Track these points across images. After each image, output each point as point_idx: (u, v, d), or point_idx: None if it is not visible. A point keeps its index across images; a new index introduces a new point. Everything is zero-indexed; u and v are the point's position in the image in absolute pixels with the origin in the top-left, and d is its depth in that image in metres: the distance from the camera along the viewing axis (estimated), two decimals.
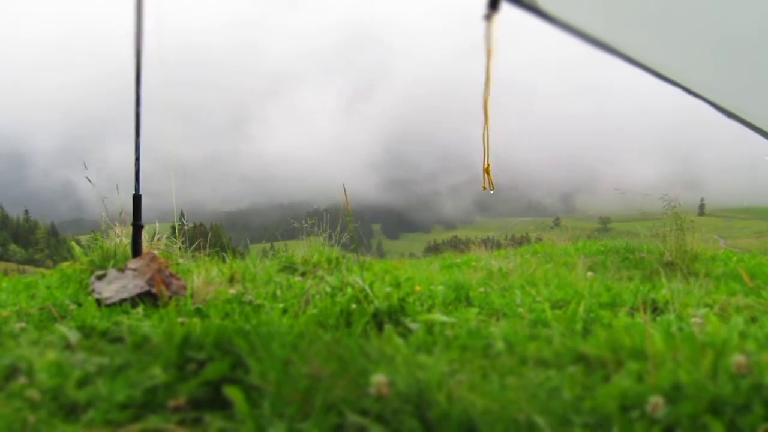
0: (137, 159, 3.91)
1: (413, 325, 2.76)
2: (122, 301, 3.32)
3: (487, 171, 2.04)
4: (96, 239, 4.83)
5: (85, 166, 5.19)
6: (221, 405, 1.82)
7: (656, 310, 3.46)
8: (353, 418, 1.65)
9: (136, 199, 3.97)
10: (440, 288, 3.95)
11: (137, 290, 3.40)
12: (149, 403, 1.84)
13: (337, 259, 5.78)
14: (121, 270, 3.65)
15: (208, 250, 5.55)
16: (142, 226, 4.00)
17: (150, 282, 3.48)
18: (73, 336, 2.48)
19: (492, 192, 2.08)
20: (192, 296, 3.47)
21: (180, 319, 2.61)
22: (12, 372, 2.05)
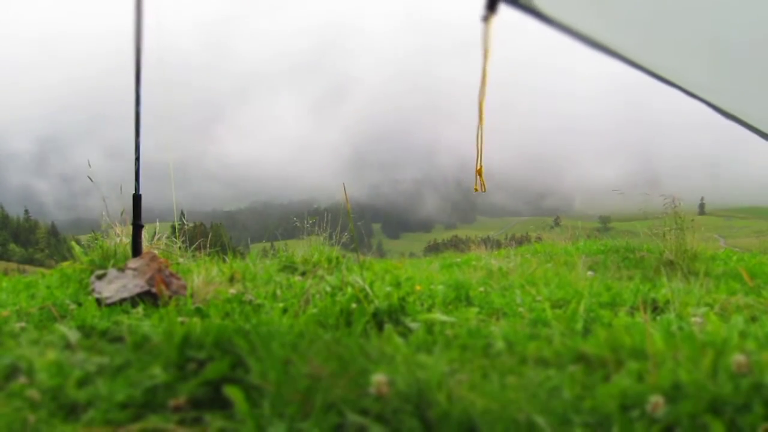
0: (137, 159, 3.92)
1: (413, 325, 2.76)
2: (122, 300, 3.32)
3: (479, 172, 2.04)
4: (96, 239, 4.83)
5: (89, 165, 5.18)
6: (221, 405, 1.82)
7: (656, 309, 3.46)
8: (353, 418, 1.65)
9: (136, 198, 3.97)
10: (440, 287, 3.95)
11: (137, 290, 3.40)
12: (149, 403, 1.84)
13: (337, 258, 5.78)
14: (121, 269, 3.65)
15: (208, 249, 5.55)
16: (142, 226, 4.01)
17: (150, 281, 3.48)
18: (73, 336, 2.48)
19: (484, 192, 2.08)
20: (192, 296, 3.47)
21: (180, 319, 2.61)
22: (12, 372, 2.05)
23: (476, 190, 2.09)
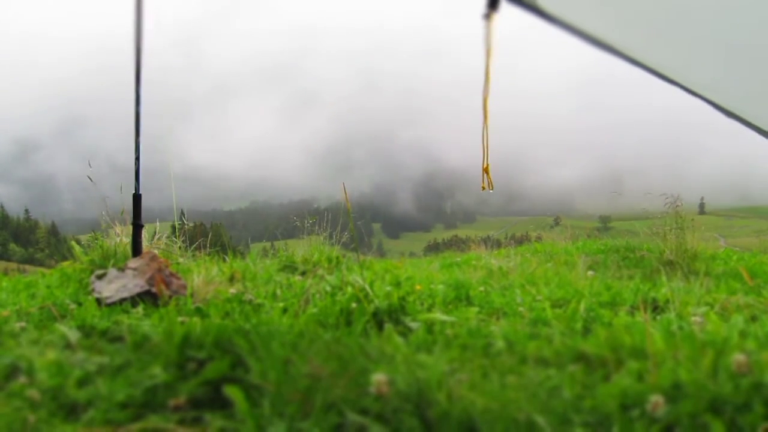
0: (137, 159, 3.92)
1: (413, 324, 2.76)
2: (122, 300, 3.32)
3: (486, 171, 2.04)
4: (96, 238, 4.83)
5: (89, 165, 5.19)
6: (221, 404, 1.82)
7: (656, 309, 3.46)
8: (353, 418, 1.65)
9: (136, 198, 3.97)
10: (440, 287, 3.95)
11: (137, 289, 3.40)
12: (149, 403, 1.84)
13: (337, 258, 5.78)
14: (121, 269, 3.65)
15: (208, 249, 5.55)
16: (142, 226, 4.01)
17: (150, 281, 3.48)
18: (73, 335, 2.48)
19: (491, 191, 2.08)
20: (192, 295, 3.47)
21: (180, 319, 2.61)
22: (12, 371, 2.05)
23: (483, 188, 2.08)
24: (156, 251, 4.21)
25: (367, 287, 3.02)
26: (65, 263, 4.62)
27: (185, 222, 5.90)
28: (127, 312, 3.10)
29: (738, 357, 1.76)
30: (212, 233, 6.24)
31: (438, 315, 2.92)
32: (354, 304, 2.85)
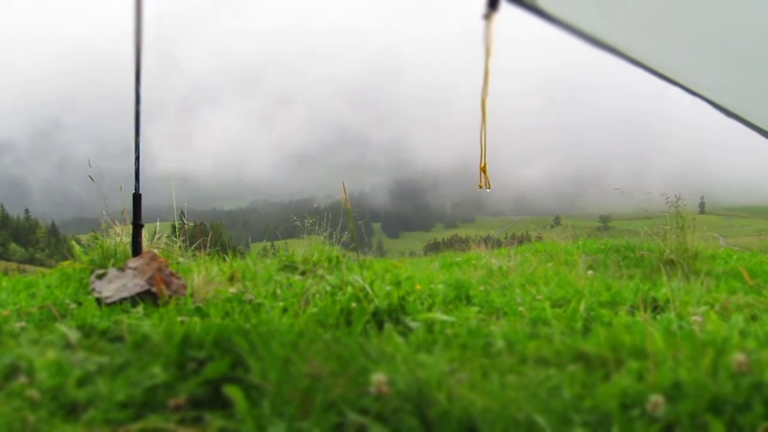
0: (137, 158, 3.92)
1: (413, 324, 2.76)
2: (122, 300, 3.32)
3: (483, 170, 2.04)
4: (96, 238, 4.83)
5: (89, 164, 5.19)
6: (221, 404, 1.82)
7: (657, 308, 3.46)
8: (353, 417, 1.65)
9: (136, 198, 3.98)
10: (440, 287, 3.95)
11: (137, 289, 3.40)
12: (149, 402, 1.84)
13: (337, 257, 5.78)
14: (121, 269, 3.65)
15: (208, 249, 5.55)
16: (142, 225, 4.01)
17: (150, 281, 3.48)
18: (73, 335, 2.48)
19: (489, 190, 2.08)
20: (192, 295, 3.47)
21: (180, 318, 2.61)
22: (12, 371, 2.05)
23: (480, 187, 2.08)
24: (156, 251, 4.21)
25: (367, 287, 3.02)
26: (65, 263, 4.62)
27: (185, 222, 5.91)
28: (127, 312, 3.10)
29: (738, 356, 1.76)
30: (212, 233, 6.24)
31: (438, 315, 2.92)
32: (354, 304, 2.85)
